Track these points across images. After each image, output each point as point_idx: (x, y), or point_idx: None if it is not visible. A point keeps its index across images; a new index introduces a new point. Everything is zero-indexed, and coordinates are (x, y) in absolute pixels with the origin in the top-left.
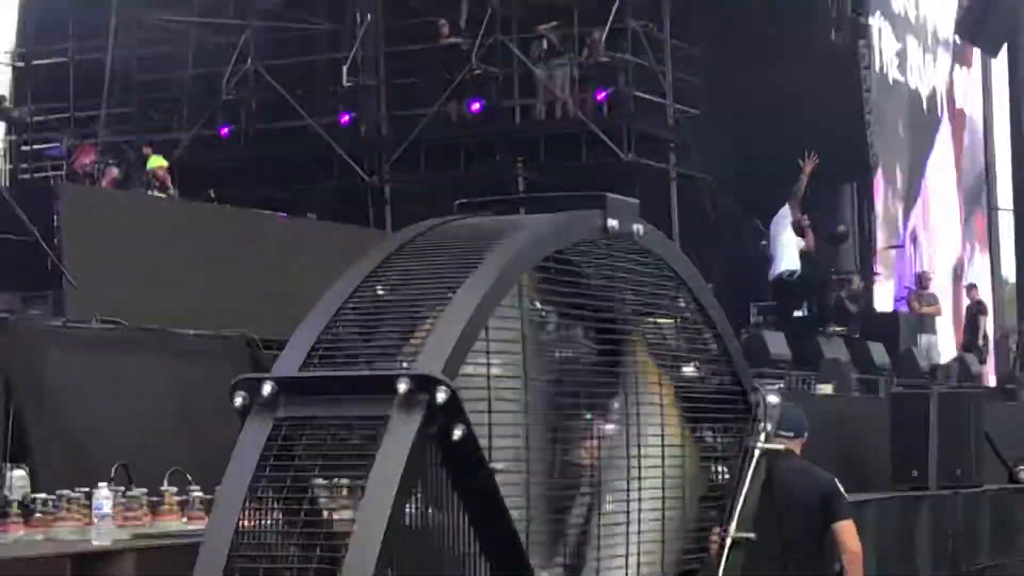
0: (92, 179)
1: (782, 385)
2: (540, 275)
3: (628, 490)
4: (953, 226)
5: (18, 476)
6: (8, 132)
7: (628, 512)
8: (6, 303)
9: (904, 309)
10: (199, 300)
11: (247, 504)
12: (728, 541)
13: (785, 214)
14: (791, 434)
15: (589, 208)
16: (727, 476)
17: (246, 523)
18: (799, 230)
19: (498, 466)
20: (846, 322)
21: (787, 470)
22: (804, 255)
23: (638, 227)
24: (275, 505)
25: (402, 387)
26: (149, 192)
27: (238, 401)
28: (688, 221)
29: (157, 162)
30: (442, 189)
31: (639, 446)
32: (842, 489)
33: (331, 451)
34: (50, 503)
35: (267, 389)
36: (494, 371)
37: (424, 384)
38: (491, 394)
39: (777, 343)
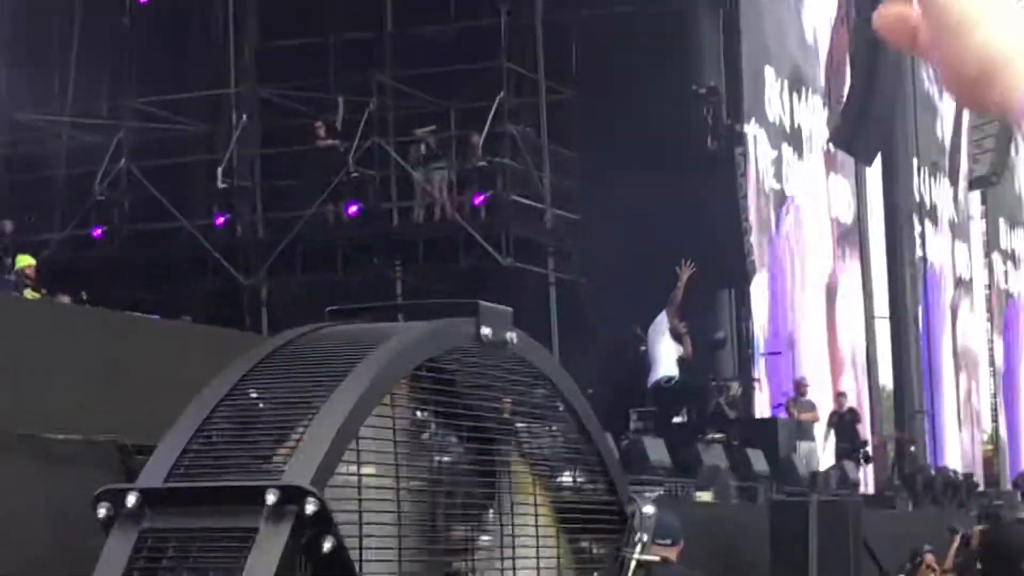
0: None
1: (661, 492)
2: (413, 382)
3: None
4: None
5: None
6: None
7: None
8: None
9: (783, 415)
10: (70, 404)
11: None
12: None
13: (662, 321)
14: (668, 541)
15: (463, 315)
16: None
17: None
18: (677, 337)
19: None
20: (725, 428)
21: None
22: (682, 362)
23: (511, 335)
24: None
25: (270, 498)
26: (18, 292)
27: (102, 512)
28: (567, 326)
29: (25, 261)
30: (319, 292)
31: (513, 557)
32: None
33: (198, 564)
34: None
35: (131, 500)
36: (367, 480)
37: (293, 495)
38: (361, 505)
39: (656, 450)
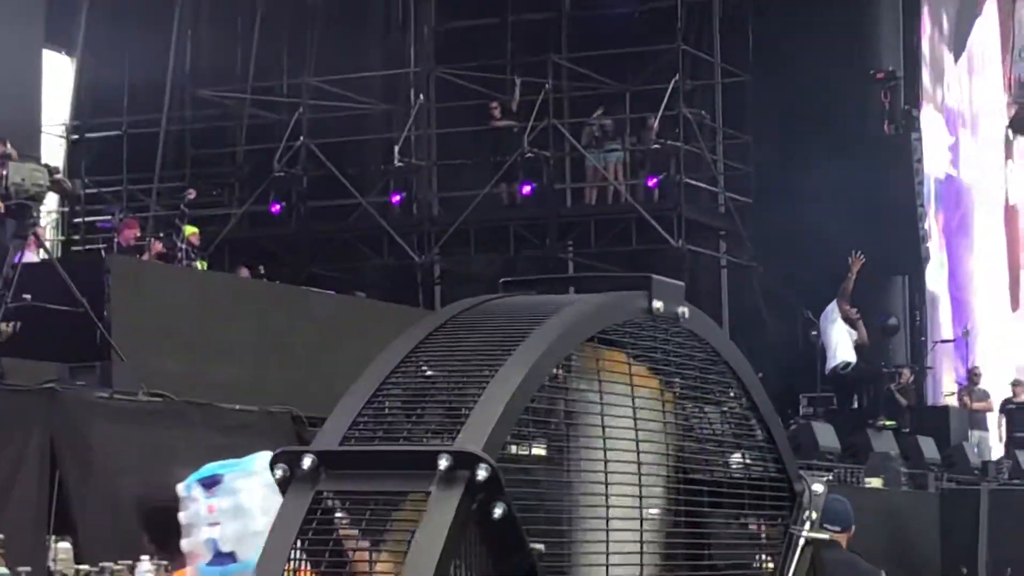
0: (139, 253)
1: (830, 477)
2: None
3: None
4: (1006, 320)
5: (62, 548)
6: (61, 204)
7: None
8: (54, 373)
9: (955, 404)
10: (246, 375)
11: (285, 574)
12: None
13: (833, 309)
14: (838, 527)
15: (635, 289)
16: (770, 566)
17: None
18: (850, 322)
19: (539, 547)
20: (896, 415)
21: (833, 563)
22: (858, 348)
23: (683, 309)
24: None
25: (443, 464)
26: (187, 263)
27: (278, 474)
28: (738, 310)
29: (190, 230)
30: (492, 270)
31: (683, 530)
32: None
33: (371, 526)
34: (92, 575)
35: (307, 462)
36: (539, 452)
37: (465, 461)
38: (533, 474)
39: (826, 435)
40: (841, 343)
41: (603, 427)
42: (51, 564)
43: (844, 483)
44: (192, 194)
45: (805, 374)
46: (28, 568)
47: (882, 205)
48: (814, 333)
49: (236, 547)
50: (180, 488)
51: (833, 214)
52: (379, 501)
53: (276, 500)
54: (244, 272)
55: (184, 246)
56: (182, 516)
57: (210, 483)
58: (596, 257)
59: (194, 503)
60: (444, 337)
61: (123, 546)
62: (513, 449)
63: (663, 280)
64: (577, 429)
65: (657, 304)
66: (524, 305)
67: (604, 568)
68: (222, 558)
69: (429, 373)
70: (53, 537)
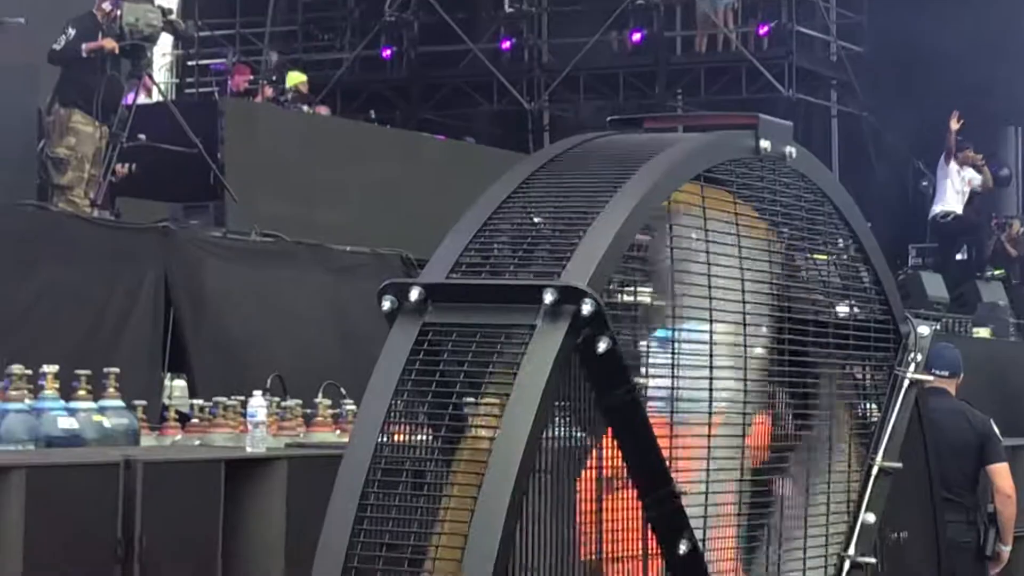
0: (251, 97)
1: (938, 327)
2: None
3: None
4: None
5: (178, 386)
6: (175, 46)
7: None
8: (168, 213)
9: None
10: (357, 218)
11: (393, 404)
12: (875, 470)
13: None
14: (947, 373)
15: (743, 129)
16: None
17: (392, 427)
18: (975, 167)
19: (643, 380)
20: (1006, 266)
21: (941, 410)
22: (975, 195)
23: (791, 149)
24: (420, 409)
25: (548, 297)
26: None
27: (386, 305)
28: (849, 160)
29: (297, 79)
30: (601, 117)
31: (787, 381)
32: (997, 432)
33: (477, 358)
34: (206, 410)
35: (415, 294)
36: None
37: (570, 296)
38: (644, 311)
39: (935, 285)
40: (948, 192)
41: (708, 264)
42: (166, 400)
43: (952, 333)
44: (275, 58)
45: (914, 225)
46: (144, 402)
47: (997, 55)
48: (924, 183)
49: None
50: None
51: (946, 64)
52: (485, 334)
53: None
54: (323, 110)
55: (292, 94)
56: None
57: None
58: (705, 105)
59: None
60: (550, 175)
61: (235, 382)
62: (620, 297)
63: (771, 119)
64: (682, 266)
65: (764, 143)
66: (630, 143)
67: (708, 403)
68: None
69: (536, 220)
70: (168, 374)
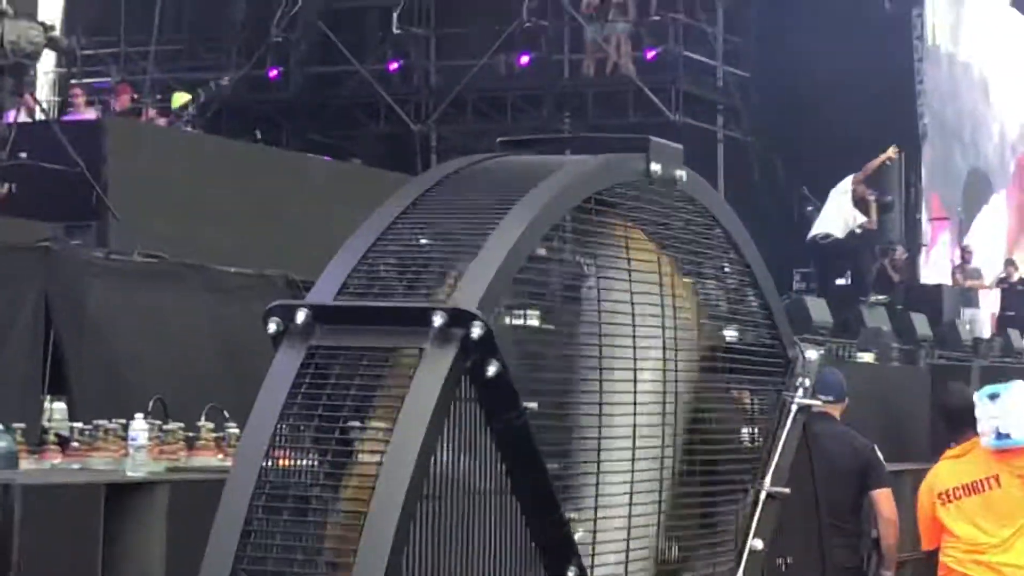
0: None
1: (822, 351)
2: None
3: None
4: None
5: (58, 408)
6: (58, 63)
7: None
8: (49, 232)
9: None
10: (241, 239)
11: (279, 428)
12: (762, 496)
13: (846, 183)
14: (831, 398)
15: (633, 151)
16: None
17: (277, 451)
18: (861, 204)
19: (532, 405)
20: (889, 291)
21: (826, 435)
22: (859, 230)
23: (681, 173)
24: (306, 433)
25: (437, 320)
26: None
27: (272, 327)
28: (734, 185)
29: (180, 100)
30: (488, 139)
31: (675, 402)
32: (881, 457)
33: (365, 382)
34: (87, 433)
35: (302, 316)
36: (532, 321)
37: (460, 319)
38: (527, 335)
39: (819, 310)
40: (830, 215)
41: (599, 299)
42: (45, 423)
43: (837, 357)
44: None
45: (799, 250)
46: (23, 425)
47: (881, 82)
48: (810, 208)
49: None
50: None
51: (832, 90)
52: (373, 358)
53: None
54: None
55: (179, 114)
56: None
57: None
58: (593, 129)
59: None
60: (438, 196)
61: (118, 405)
62: (507, 320)
63: (662, 142)
64: (572, 297)
65: (655, 166)
66: (520, 164)
67: (597, 429)
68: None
69: (424, 242)
70: (48, 397)
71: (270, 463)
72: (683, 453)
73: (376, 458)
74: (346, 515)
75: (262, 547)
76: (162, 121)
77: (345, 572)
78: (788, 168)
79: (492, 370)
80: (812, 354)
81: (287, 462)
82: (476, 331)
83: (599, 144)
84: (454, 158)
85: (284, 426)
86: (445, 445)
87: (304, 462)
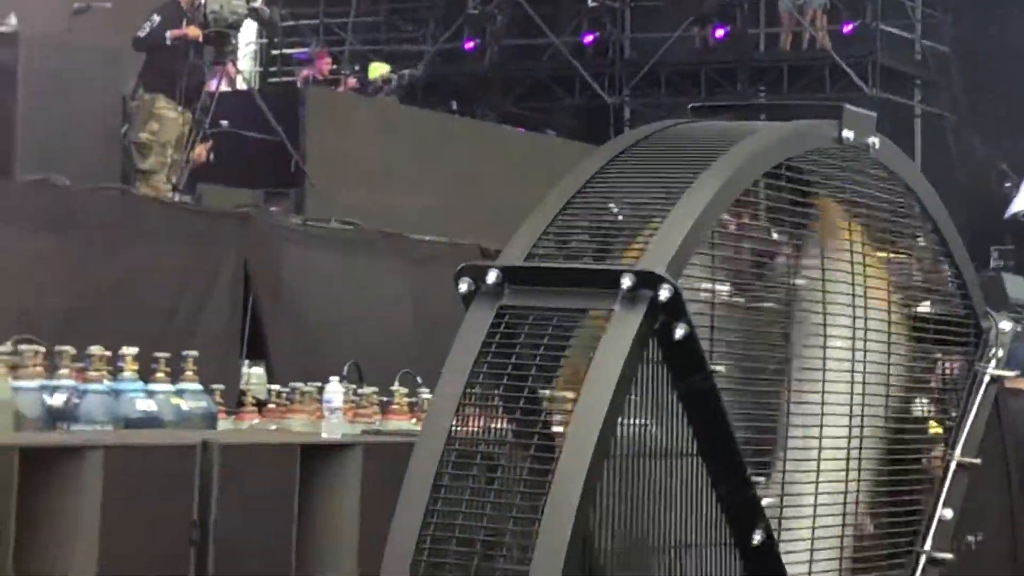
0: (332, 86)
1: (1019, 328)
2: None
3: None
4: None
5: (256, 374)
6: (259, 35)
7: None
8: (249, 199)
9: None
10: (435, 208)
11: (468, 388)
12: (952, 465)
13: None
14: (1018, 372)
15: (826, 117)
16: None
17: (467, 408)
18: None
19: (719, 368)
20: None
21: (1019, 410)
22: None
23: (874, 140)
24: (495, 392)
25: (626, 282)
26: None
27: (463, 287)
28: (930, 160)
29: (379, 70)
30: (681, 113)
31: (864, 372)
32: None
33: (553, 342)
34: (283, 395)
35: (492, 277)
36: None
37: (648, 281)
38: (715, 298)
39: (1017, 287)
40: None
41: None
42: (244, 386)
43: None
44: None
45: (996, 227)
46: (222, 386)
47: None
48: (1007, 185)
49: None
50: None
51: None
52: (562, 318)
53: None
54: None
55: (377, 84)
56: None
57: None
58: None
59: None
60: (629, 160)
61: (312, 368)
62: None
63: (854, 109)
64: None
65: (847, 133)
66: (711, 130)
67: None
68: None
69: (613, 207)
70: (246, 361)
71: (459, 423)
72: (873, 422)
73: (563, 418)
74: (532, 473)
75: (449, 513)
76: (351, 84)
77: (532, 529)
78: (987, 144)
79: (680, 332)
80: (1006, 325)
81: (476, 422)
82: (664, 293)
83: (793, 111)
84: None
85: (473, 384)
86: (632, 406)
87: (492, 423)
